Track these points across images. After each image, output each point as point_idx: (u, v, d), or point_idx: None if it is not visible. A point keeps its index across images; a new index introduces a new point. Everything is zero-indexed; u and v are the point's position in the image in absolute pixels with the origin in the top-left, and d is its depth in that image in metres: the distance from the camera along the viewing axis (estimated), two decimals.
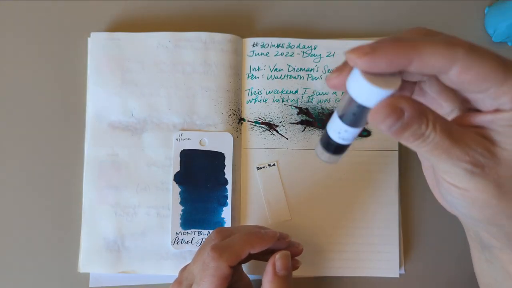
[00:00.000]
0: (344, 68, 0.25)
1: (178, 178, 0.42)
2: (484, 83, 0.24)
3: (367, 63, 0.23)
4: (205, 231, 0.41)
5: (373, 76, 0.23)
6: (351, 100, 0.24)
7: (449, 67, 0.23)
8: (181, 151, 0.42)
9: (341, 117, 0.25)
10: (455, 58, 0.23)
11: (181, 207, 0.41)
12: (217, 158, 0.42)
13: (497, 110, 0.25)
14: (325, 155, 0.28)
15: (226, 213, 0.41)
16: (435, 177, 0.28)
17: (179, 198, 0.41)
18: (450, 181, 0.26)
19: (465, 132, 0.25)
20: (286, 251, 0.35)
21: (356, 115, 0.25)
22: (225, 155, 0.42)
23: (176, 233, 0.41)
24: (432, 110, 0.24)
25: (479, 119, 0.25)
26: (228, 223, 0.41)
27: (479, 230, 0.31)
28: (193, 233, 0.41)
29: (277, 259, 0.34)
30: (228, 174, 0.42)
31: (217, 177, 0.42)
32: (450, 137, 0.24)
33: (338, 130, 0.26)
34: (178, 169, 0.42)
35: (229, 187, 0.42)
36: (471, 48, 0.23)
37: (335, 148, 0.27)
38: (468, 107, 0.27)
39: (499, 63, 0.23)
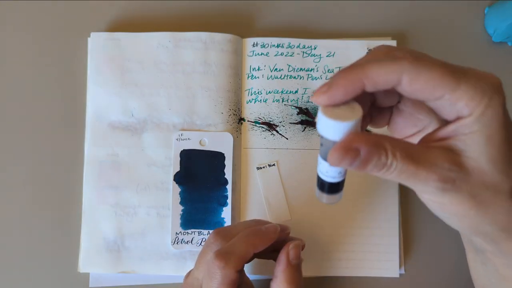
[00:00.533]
0: (327, 88, 0.26)
1: (178, 178, 0.42)
2: (436, 90, 0.25)
3: (327, 99, 0.25)
4: (205, 231, 0.41)
5: (336, 111, 0.25)
6: (322, 139, 0.26)
7: (399, 79, 0.25)
8: (181, 151, 0.42)
9: (324, 158, 0.27)
10: (401, 70, 0.25)
11: (181, 207, 0.41)
12: (217, 158, 0.42)
13: (458, 118, 0.25)
14: (324, 197, 0.29)
15: (226, 213, 0.41)
16: (417, 194, 0.28)
17: (179, 198, 0.41)
18: (426, 197, 0.27)
19: (429, 150, 0.26)
20: (298, 240, 0.36)
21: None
22: (225, 155, 0.42)
23: (176, 233, 0.41)
24: (390, 138, 0.25)
25: (445, 131, 0.26)
26: (228, 223, 0.41)
27: (469, 236, 0.31)
28: (193, 233, 0.41)
29: (291, 248, 0.34)
30: (228, 174, 0.42)
31: (217, 177, 0.42)
32: (413, 161, 0.25)
33: (323, 169, 0.27)
34: (178, 169, 0.42)
35: (229, 187, 0.42)
36: (416, 59, 0.25)
37: (329, 188, 0.28)
38: (443, 118, 0.27)
39: (447, 70, 0.25)
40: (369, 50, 0.44)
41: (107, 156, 0.42)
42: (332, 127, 0.25)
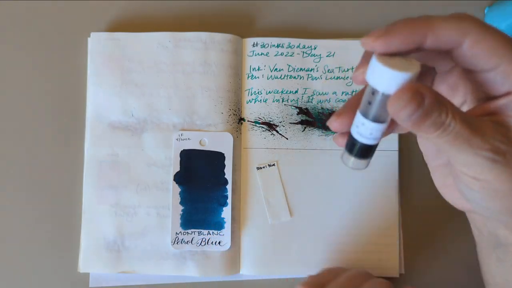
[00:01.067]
0: (365, 62, 0.25)
1: (178, 178, 0.42)
2: (494, 58, 0.24)
3: (383, 44, 0.23)
4: (205, 231, 0.41)
5: (392, 62, 0.23)
6: (372, 92, 0.24)
7: (462, 40, 0.24)
8: (181, 151, 0.42)
9: (364, 115, 0.25)
10: (467, 31, 0.24)
11: (181, 207, 0.41)
12: (217, 158, 0.42)
13: (509, 93, 0.24)
14: (351, 160, 0.27)
15: (226, 213, 0.41)
16: (454, 173, 0.27)
17: (179, 198, 0.41)
18: (470, 174, 0.25)
19: (482, 121, 0.24)
20: None
21: (378, 108, 0.24)
22: (225, 155, 0.42)
23: (176, 233, 0.41)
24: (449, 100, 0.24)
25: (493, 106, 0.25)
26: (228, 223, 0.41)
27: (497, 226, 0.30)
28: (193, 233, 0.41)
29: None
30: (228, 174, 0.42)
31: (217, 177, 0.42)
32: (469, 126, 0.23)
33: (362, 129, 0.25)
34: (178, 169, 0.42)
35: (229, 187, 0.42)
36: (482, 23, 0.24)
37: (360, 151, 0.26)
38: (479, 98, 0.26)
39: (509, 41, 0.24)
40: None
41: (107, 156, 0.42)
42: (388, 77, 0.22)
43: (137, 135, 0.42)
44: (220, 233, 0.41)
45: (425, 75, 0.28)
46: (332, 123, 0.26)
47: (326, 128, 0.43)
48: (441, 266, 0.43)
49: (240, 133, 0.43)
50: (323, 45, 0.44)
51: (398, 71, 0.22)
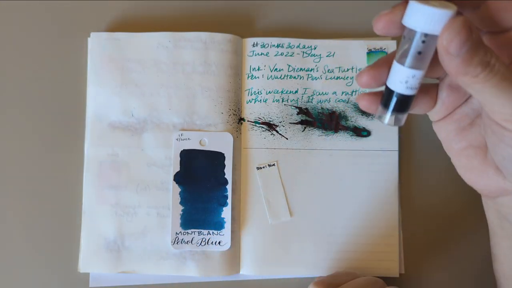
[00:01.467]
0: (395, 9, 0.25)
1: (178, 178, 0.42)
2: None
3: None
4: (205, 231, 0.41)
5: (428, 3, 0.23)
6: (413, 36, 0.24)
7: None
8: (181, 151, 0.42)
9: (401, 63, 0.25)
10: None
11: (181, 207, 0.41)
12: (217, 158, 0.42)
13: None
14: (387, 116, 0.26)
15: (226, 213, 0.41)
16: (490, 139, 0.26)
17: (179, 198, 0.41)
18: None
19: None
20: None
21: (420, 52, 0.24)
22: (225, 155, 0.42)
23: (176, 233, 0.41)
24: None
25: None
26: (228, 223, 0.41)
27: None
28: (193, 233, 0.41)
29: None
30: (228, 174, 0.42)
31: (217, 177, 0.42)
32: (509, 70, 0.23)
33: (403, 78, 0.25)
34: (178, 169, 0.42)
35: (229, 187, 0.42)
36: None
37: (398, 103, 0.26)
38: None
39: None
40: (369, 50, 0.44)
41: (107, 156, 0.42)
42: (430, 16, 0.22)
43: (137, 135, 0.42)
44: (220, 233, 0.41)
45: None
46: (363, 75, 0.26)
47: (326, 128, 0.43)
48: (441, 266, 0.43)
49: (240, 133, 0.43)
50: (323, 45, 0.44)
51: (440, 8, 0.22)
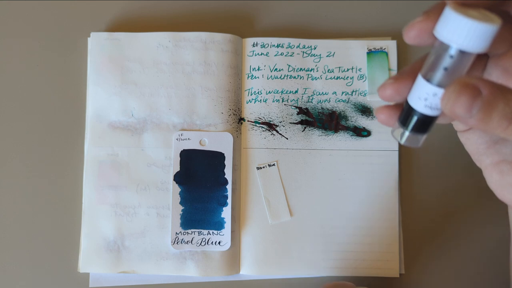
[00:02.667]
0: (430, 14, 0.22)
1: (178, 178, 0.42)
2: None
3: None
4: (205, 231, 0.41)
5: (471, 13, 0.20)
6: (444, 50, 0.21)
7: None
8: (181, 151, 0.42)
9: (428, 79, 0.21)
10: None
11: (181, 207, 0.41)
12: (217, 158, 0.42)
13: None
14: (405, 135, 0.23)
15: (226, 213, 0.41)
16: None
17: (179, 198, 0.41)
18: None
19: None
20: None
21: (449, 69, 0.21)
22: (225, 155, 0.42)
23: (176, 233, 0.41)
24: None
25: None
26: (228, 223, 0.41)
27: None
28: (193, 233, 0.41)
29: None
30: (228, 174, 0.42)
31: (217, 177, 0.42)
32: None
33: (424, 95, 0.21)
34: (178, 169, 0.42)
35: (229, 187, 0.42)
36: None
37: (417, 123, 0.22)
38: None
39: None
40: (369, 50, 0.44)
41: (107, 156, 0.42)
42: (469, 30, 0.19)
43: (137, 135, 0.42)
44: (220, 233, 0.41)
45: (475, 60, 0.24)
46: (386, 88, 0.23)
47: (326, 128, 0.43)
48: (441, 266, 0.43)
49: (240, 133, 0.43)
50: (323, 45, 0.44)
51: (482, 22, 0.19)
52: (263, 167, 0.43)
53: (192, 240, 0.41)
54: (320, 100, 0.44)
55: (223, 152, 0.42)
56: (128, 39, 0.43)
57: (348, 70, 0.44)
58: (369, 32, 0.46)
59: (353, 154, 0.43)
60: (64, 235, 0.42)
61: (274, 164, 0.43)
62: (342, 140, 0.43)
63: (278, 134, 0.43)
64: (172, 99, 0.43)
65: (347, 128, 0.43)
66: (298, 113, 0.44)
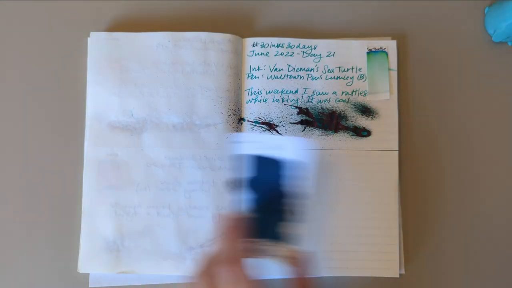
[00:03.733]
0: None
1: (245, 183, 0.38)
2: None
3: None
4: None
5: None
6: None
7: None
8: (250, 156, 0.37)
9: None
10: None
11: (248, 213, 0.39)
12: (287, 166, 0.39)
13: None
14: None
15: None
16: None
17: (246, 204, 0.38)
18: None
19: None
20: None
21: None
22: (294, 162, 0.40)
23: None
24: None
25: None
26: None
27: None
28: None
29: None
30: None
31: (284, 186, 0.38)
32: None
33: None
34: (246, 173, 0.37)
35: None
36: None
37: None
38: None
39: None
40: (369, 50, 0.44)
41: (107, 156, 0.42)
42: None
43: (137, 135, 0.42)
44: None
45: None
46: None
47: (326, 128, 0.43)
48: (441, 266, 0.43)
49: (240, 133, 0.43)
50: (323, 45, 0.44)
51: None
52: None
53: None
54: (320, 100, 0.44)
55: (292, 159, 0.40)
56: (127, 39, 0.43)
57: (348, 70, 0.44)
58: (369, 32, 0.46)
59: (353, 154, 0.43)
60: (64, 235, 0.42)
61: None
62: (342, 140, 0.43)
63: (278, 134, 0.43)
64: (171, 99, 0.43)
65: (347, 128, 0.43)
66: (298, 113, 0.44)
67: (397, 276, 0.42)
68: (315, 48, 0.44)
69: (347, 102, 0.44)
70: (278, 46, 0.44)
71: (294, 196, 0.37)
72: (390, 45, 0.44)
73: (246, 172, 0.37)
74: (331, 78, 0.44)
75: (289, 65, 0.44)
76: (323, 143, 0.43)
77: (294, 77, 0.44)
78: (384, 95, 0.43)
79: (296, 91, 0.44)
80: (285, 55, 0.44)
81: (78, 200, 0.42)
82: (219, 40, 0.43)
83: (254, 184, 0.37)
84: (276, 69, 0.44)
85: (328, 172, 0.43)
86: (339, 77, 0.44)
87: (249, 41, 0.44)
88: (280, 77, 0.44)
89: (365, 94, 0.44)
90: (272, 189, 0.37)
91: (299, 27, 0.46)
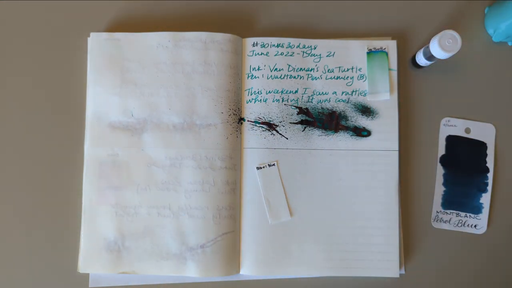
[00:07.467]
0: None
1: (442, 160, 0.43)
2: None
3: None
4: (463, 213, 0.43)
5: None
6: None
7: None
8: (447, 136, 0.44)
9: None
10: None
11: (443, 188, 0.43)
12: (480, 146, 0.44)
13: None
14: None
15: (485, 199, 0.43)
16: None
17: (442, 179, 0.43)
18: None
19: None
20: None
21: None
22: (487, 144, 0.44)
23: (437, 211, 0.43)
24: None
25: None
26: (486, 209, 0.43)
27: None
28: (451, 213, 0.43)
29: None
30: (490, 162, 0.43)
31: (479, 164, 0.43)
32: None
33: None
34: (443, 152, 0.44)
35: (490, 175, 0.43)
36: None
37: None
38: None
39: None
40: (369, 50, 0.44)
41: (107, 156, 0.42)
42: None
43: (137, 135, 0.42)
44: (477, 217, 0.43)
45: None
46: None
47: (326, 128, 0.43)
48: (441, 266, 0.43)
49: (240, 133, 0.43)
50: (323, 45, 0.44)
51: None
52: (263, 167, 0.43)
53: (450, 220, 0.43)
54: (320, 100, 0.44)
55: (485, 141, 0.44)
56: (128, 39, 0.43)
57: (348, 70, 0.44)
58: (369, 32, 0.46)
59: (353, 154, 0.43)
60: (64, 235, 0.42)
61: (274, 164, 0.43)
62: (342, 140, 0.43)
63: (278, 134, 0.43)
64: (172, 99, 0.43)
65: (347, 128, 0.43)
66: (298, 113, 0.44)
67: (397, 276, 0.42)
68: (315, 48, 0.44)
69: (347, 102, 0.44)
70: (278, 46, 0.44)
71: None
72: (390, 45, 0.44)
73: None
74: (331, 78, 0.44)
75: (289, 65, 0.44)
76: (323, 143, 0.43)
77: (294, 77, 0.44)
78: (384, 95, 0.43)
79: (296, 91, 0.44)
80: (285, 55, 0.44)
81: (78, 200, 0.42)
82: (219, 40, 0.43)
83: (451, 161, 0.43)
84: (276, 69, 0.44)
85: (329, 171, 0.43)
86: (339, 77, 0.44)
87: (249, 41, 0.44)
88: (280, 77, 0.44)
89: (365, 94, 0.44)
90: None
91: (299, 27, 0.46)
